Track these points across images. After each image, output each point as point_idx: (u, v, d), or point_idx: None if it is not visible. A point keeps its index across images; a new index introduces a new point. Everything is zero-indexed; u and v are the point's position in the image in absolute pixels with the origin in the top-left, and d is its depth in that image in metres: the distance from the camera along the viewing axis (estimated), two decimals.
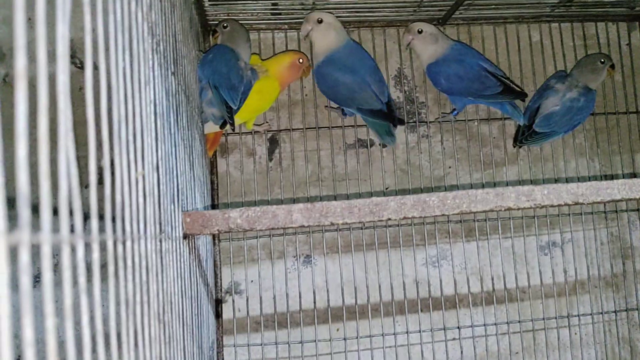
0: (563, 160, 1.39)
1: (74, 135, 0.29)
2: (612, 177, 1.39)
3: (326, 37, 1.21)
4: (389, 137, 1.29)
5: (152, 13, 0.65)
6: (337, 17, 1.28)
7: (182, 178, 0.81)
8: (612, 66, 1.27)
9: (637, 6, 1.33)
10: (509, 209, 0.82)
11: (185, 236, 0.77)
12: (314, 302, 1.28)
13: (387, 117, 1.23)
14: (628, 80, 1.39)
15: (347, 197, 1.34)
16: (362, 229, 1.33)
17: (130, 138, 0.51)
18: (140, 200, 0.53)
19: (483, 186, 1.38)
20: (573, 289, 1.37)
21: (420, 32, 1.24)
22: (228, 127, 1.11)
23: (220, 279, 1.25)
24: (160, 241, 0.62)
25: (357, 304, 1.30)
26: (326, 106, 1.32)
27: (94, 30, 0.39)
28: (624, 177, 1.38)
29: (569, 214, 1.37)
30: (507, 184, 1.39)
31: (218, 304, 1.23)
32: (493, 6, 1.26)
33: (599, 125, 1.38)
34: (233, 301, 1.28)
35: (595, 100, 1.28)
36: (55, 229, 0.26)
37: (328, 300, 1.30)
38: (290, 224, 0.77)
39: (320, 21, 1.19)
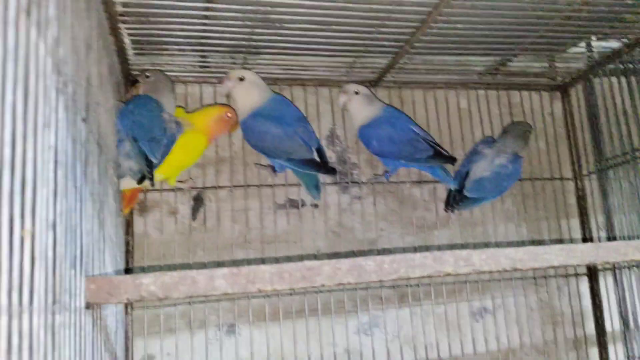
0: (493, 224, 1.38)
1: None
2: (539, 243, 1.40)
3: (249, 94, 1.17)
4: (316, 190, 1.25)
5: (60, 49, 0.57)
6: (269, 74, 1.24)
7: (88, 238, 0.71)
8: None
9: (558, 77, 1.38)
10: (447, 274, 0.78)
11: (88, 306, 0.67)
12: None
13: (319, 165, 1.20)
14: (551, 148, 1.42)
15: (277, 260, 1.26)
16: (291, 294, 1.25)
17: (17, 188, 0.43)
18: (27, 264, 0.44)
19: (416, 250, 1.34)
20: (505, 356, 1.33)
21: (356, 93, 1.22)
22: (147, 183, 1.02)
23: (132, 353, 1.12)
24: (54, 314, 0.52)
25: None
26: (256, 164, 1.26)
27: None
28: (551, 243, 1.39)
29: (500, 279, 1.35)
30: (439, 247, 1.36)
31: None
32: (423, 71, 1.27)
33: (525, 190, 1.39)
34: None
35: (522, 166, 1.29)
36: None
37: None
38: (212, 291, 0.69)
39: (242, 79, 1.15)
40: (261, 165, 1.26)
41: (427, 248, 1.35)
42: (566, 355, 1.37)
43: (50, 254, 0.51)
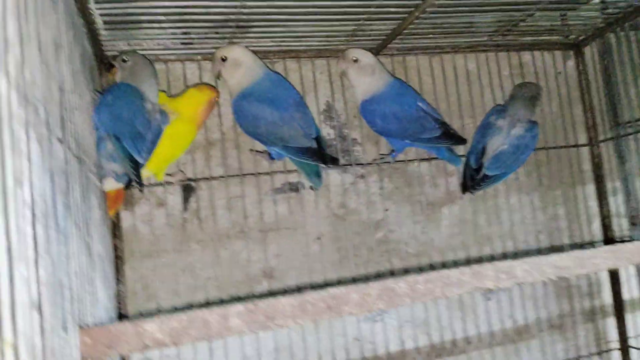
0: (505, 197, 1.30)
1: None
2: (554, 215, 1.33)
3: (235, 74, 1.04)
4: (317, 178, 1.14)
5: (26, 71, 0.45)
6: (260, 47, 1.11)
7: (77, 281, 0.61)
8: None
9: (571, 34, 1.27)
10: (488, 289, 0.70)
11: None
12: None
13: (318, 155, 1.07)
14: (565, 111, 1.33)
15: (279, 250, 1.17)
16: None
17: None
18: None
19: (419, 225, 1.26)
20: (518, 334, 1.29)
21: (355, 60, 1.10)
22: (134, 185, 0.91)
23: None
24: None
25: None
26: (251, 150, 1.15)
27: None
28: (566, 215, 1.32)
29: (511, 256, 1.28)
30: (452, 225, 1.28)
31: None
32: (430, 35, 1.15)
33: (538, 159, 1.31)
34: None
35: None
36: None
37: None
38: (226, 332, 0.60)
39: (224, 59, 1.02)
40: (257, 151, 1.15)
41: (437, 227, 1.27)
42: (583, 328, 1.33)
43: (37, 339, 0.41)
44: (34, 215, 0.44)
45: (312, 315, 0.62)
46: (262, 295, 1.16)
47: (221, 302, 1.13)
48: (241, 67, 1.04)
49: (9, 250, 0.37)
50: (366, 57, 1.11)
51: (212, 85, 1.10)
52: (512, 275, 0.69)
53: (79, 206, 0.68)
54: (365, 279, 1.20)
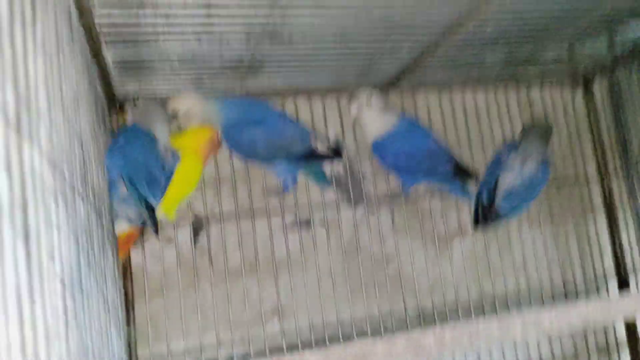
0: (517, 231, 1.29)
1: None
2: (567, 248, 1.32)
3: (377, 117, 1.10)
4: (325, 180, 1.16)
5: (54, 138, 0.44)
6: (271, 87, 1.11)
7: (97, 337, 0.59)
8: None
9: (579, 70, 1.28)
10: (515, 340, 0.69)
11: None
12: None
13: (318, 155, 1.09)
14: (575, 146, 1.33)
15: (291, 286, 1.15)
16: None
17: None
18: None
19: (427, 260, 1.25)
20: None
21: (368, 101, 1.10)
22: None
23: None
24: None
25: None
26: (265, 194, 1.15)
27: None
28: (579, 249, 1.31)
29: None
30: (463, 259, 1.26)
31: None
32: (439, 71, 1.14)
33: (549, 193, 1.30)
34: None
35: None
36: None
37: None
38: None
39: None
40: (269, 192, 1.14)
41: (448, 261, 1.26)
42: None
43: None
44: (64, 286, 0.42)
45: None
46: (273, 335, 1.14)
47: (231, 342, 1.11)
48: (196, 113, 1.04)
49: (47, 329, 0.36)
50: (378, 97, 1.11)
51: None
52: (540, 326, 0.68)
53: (97, 259, 0.67)
54: (379, 317, 1.18)
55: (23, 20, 0.35)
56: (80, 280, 0.52)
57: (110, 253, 0.81)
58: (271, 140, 1.05)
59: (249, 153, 1.07)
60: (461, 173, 1.13)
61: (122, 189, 0.87)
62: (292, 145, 1.07)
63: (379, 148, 1.12)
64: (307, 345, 1.15)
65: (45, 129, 0.41)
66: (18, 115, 0.32)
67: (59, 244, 0.42)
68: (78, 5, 0.66)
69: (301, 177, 1.18)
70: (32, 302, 0.34)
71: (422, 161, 1.10)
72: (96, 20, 0.72)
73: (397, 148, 1.10)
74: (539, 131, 1.18)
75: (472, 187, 1.20)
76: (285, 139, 1.06)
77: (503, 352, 1.24)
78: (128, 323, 1.03)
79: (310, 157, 1.09)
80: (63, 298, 0.42)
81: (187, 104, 1.03)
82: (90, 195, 0.65)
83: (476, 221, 1.16)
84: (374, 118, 1.11)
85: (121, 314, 0.99)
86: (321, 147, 1.10)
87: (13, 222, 0.31)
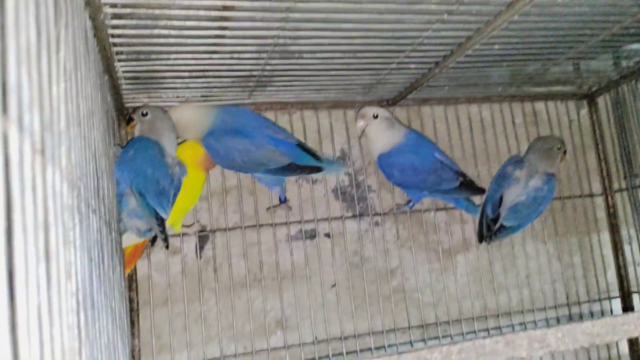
0: (521, 245, 1.30)
1: None
2: (570, 264, 1.32)
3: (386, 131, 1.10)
4: (339, 165, 1.14)
5: (72, 155, 0.45)
6: (279, 99, 1.12)
7: (106, 351, 0.60)
8: (565, 152, 1.20)
9: (585, 85, 1.29)
10: (522, 358, 0.69)
11: None
12: None
13: (298, 168, 1.08)
14: (579, 161, 1.33)
15: (295, 298, 1.16)
16: None
17: None
18: None
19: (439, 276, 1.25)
20: None
21: (375, 117, 1.11)
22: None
23: None
24: None
25: None
26: (268, 208, 1.15)
27: None
28: (582, 263, 1.31)
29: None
30: (468, 273, 1.27)
31: None
32: (446, 87, 1.15)
33: (554, 207, 1.30)
34: None
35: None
36: None
37: None
38: None
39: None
40: (274, 206, 1.15)
41: (452, 275, 1.26)
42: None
43: None
44: (78, 303, 0.43)
45: None
46: (276, 349, 1.14)
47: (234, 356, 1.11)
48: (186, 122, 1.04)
49: (63, 348, 0.36)
50: (385, 112, 1.12)
51: None
52: (546, 344, 0.68)
53: (107, 272, 0.67)
54: (383, 330, 1.19)
55: (48, 46, 0.35)
56: (93, 295, 0.52)
57: (118, 264, 0.82)
58: (247, 152, 1.05)
59: (226, 163, 1.07)
60: (468, 188, 1.13)
61: (131, 201, 0.87)
62: (270, 159, 1.06)
63: (385, 162, 1.12)
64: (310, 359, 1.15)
65: (65, 149, 0.41)
66: (43, 139, 0.33)
67: (75, 262, 0.43)
68: (93, 21, 0.67)
69: (306, 190, 1.19)
70: (51, 322, 0.34)
71: (428, 176, 1.11)
72: (110, 35, 0.73)
73: (403, 162, 1.10)
74: (546, 146, 1.19)
75: (478, 202, 1.21)
76: (263, 153, 1.06)
77: None
78: (132, 334, 1.04)
79: (289, 170, 1.08)
80: (77, 315, 0.42)
81: (178, 113, 1.04)
82: (102, 209, 0.66)
83: (480, 235, 1.16)
84: (380, 133, 1.12)
85: (127, 325, 1.00)
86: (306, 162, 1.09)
87: (36, 244, 0.31)
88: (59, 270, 0.37)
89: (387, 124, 1.11)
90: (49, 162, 0.35)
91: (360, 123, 1.12)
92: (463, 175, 1.14)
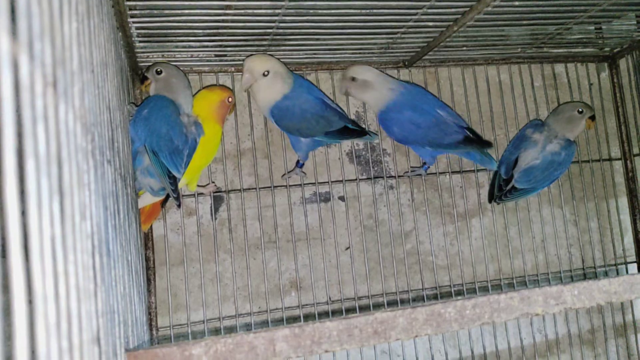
0: (537, 209, 1.29)
1: None
2: (586, 228, 1.31)
3: (275, 85, 1.04)
4: (370, 135, 1.15)
5: (85, 99, 0.45)
6: (293, 59, 1.11)
7: (122, 302, 0.60)
8: (592, 117, 1.17)
9: (606, 46, 1.25)
10: (536, 314, 0.68)
11: None
12: None
13: (353, 131, 1.11)
14: (599, 124, 1.31)
15: (310, 261, 1.16)
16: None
17: (64, 327, 0.32)
18: None
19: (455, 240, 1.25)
20: (548, 349, 1.27)
21: (353, 79, 1.10)
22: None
23: None
24: None
25: None
26: (283, 175, 1.15)
27: None
28: (597, 227, 1.30)
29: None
30: (483, 237, 1.26)
31: None
32: (464, 48, 1.13)
33: (571, 171, 1.28)
34: None
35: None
36: None
37: None
38: (273, 357, 0.59)
39: (266, 74, 1.02)
40: (289, 172, 1.15)
41: (468, 238, 1.26)
42: (614, 343, 1.31)
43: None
44: (93, 246, 0.43)
45: (359, 340, 0.61)
46: (291, 307, 1.15)
47: (249, 314, 1.12)
48: (280, 79, 1.04)
49: (78, 289, 0.36)
50: (364, 74, 1.10)
51: (222, 86, 1.09)
52: (562, 301, 0.68)
53: (122, 224, 0.68)
54: (397, 292, 1.19)
55: None
56: (108, 243, 0.53)
57: (134, 220, 0.83)
58: (318, 117, 1.07)
59: (294, 125, 1.08)
60: (473, 141, 1.11)
61: (145, 159, 0.88)
62: (333, 123, 1.09)
63: (383, 118, 1.12)
64: (324, 317, 1.16)
65: (78, 90, 0.41)
66: (55, 74, 0.33)
67: (90, 205, 0.43)
68: None
69: (320, 153, 1.19)
70: (66, 257, 0.34)
71: (430, 130, 1.09)
72: None
73: (401, 118, 1.09)
74: (569, 112, 1.17)
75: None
76: (329, 117, 1.08)
77: (519, 328, 1.24)
78: (149, 291, 1.05)
79: (346, 133, 1.10)
80: (93, 257, 0.42)
81: (277, 66, 1.04)
82: (117, 162, 0.66)
83: (491, 195, 1.15)
84: (367, 93, 1.11)
85: (143, 282, 1.01)
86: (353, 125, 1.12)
87: (49, 176, 0.31)
88: (74, 209, 0.37)
89: (369, 84, 1.10)
90: (61, 98, 0.34)
91: (343, 85, 1.12)
92: (468, 129, 1.12)
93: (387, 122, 1.12)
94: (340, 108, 1.13)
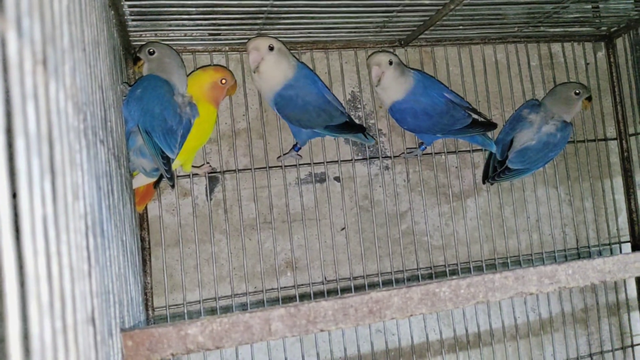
0: (532, 190, 1.29)
1: None
2: (582, 208, 1.31)
3: (280, 65, 1.02)
4: (367, 138, 1.15)
5: (77, 77, 0.44)
6: (288, 38, 1.10)
7: (117, 282, 0.60)
8: (589, 98, 1.17)
9: (603, 26, 1.24)
10: (531, 294, 0.69)
11: None
12: None
13: (353, 127, 1.11)
14: (594, 104, 1.30)
15: (305, 241, 1.17)
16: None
17: (57, 306, 0.32)
18: None
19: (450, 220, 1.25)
20: (541, 328, 1.28)
21: (391, 63, 1.07)
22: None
23: None
24: None
25: None
26: (279, 157, 1.14)
27: None
28: (592, 207, 1.31)
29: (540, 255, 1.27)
30: (478, 217, 1.27)
31: None
32: (459, 27, 1.12)
33: (566, 151, 1.29)
34: None
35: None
36: None
37: None
38: (269, 336, 0.59)
39: (271, 48, 1.00)
40: (284, 154, 1.14)
41: (463, 218, 1.26)
42: (607, 322, 1.32)
43: (92, 353, 0.41)
44: (87, 227, 0.43)
45: (355, 320, 0.61)
46: (286, 288, 1.16)
47: (245, 294, 1.13)
48: (285, 58, 1.04)
49: (71, 269, 0.36)
50: (397, 58, 1.09)
51: (221, 67, 1.08)
52: (556, 280, 0.68)
53: (116, 205, 0.67)
54: (392, 272, 1.20)
55: None
56: (102, 223, 0.52)
57: (128, 201, 0.82)
58: (319, 110, 1.06)
59: (294, 115, 1.07)
60: (481, 125, 1.11)
61: (138, 140, 0.87)
62: (334, 117, 1.08)
63: (398, 109, 1.10)
64: (320, 297, 1.17)
65: (69, 69, 0.40)
66: (44, 51, 0.32)
67: (83, 185, 0.42)
68: None
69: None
70: (58, 238, 0.34)
71: (441, 118, 1.09)
72: None
73: (416, 108, 1.08)
74: (566, 93, 1.16)
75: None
76: (330, 111, 1.08)
77: (513, 307, 1.25)
78: (145, 272, 1.05)
79: (346, 128, 1.10)
80: (86, 238, 0.42)
81: (280, 43, 1.03)
82: (110, 142, 0.65)
83: (485, 174, 1.16)
84: (395, 81, 1.09)
85: (139, 262, 1.01)
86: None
87: (40, 155, 0.31)
88: (66, 189, 0.36)
89: (400, 70, 1.09)
90: (51, 76, 0.34)
91: (375, 72, 1.08)
92: (474, 111, 1.12)
93: (401, 113, 1.11)
94: (341, 104, 1.12)
